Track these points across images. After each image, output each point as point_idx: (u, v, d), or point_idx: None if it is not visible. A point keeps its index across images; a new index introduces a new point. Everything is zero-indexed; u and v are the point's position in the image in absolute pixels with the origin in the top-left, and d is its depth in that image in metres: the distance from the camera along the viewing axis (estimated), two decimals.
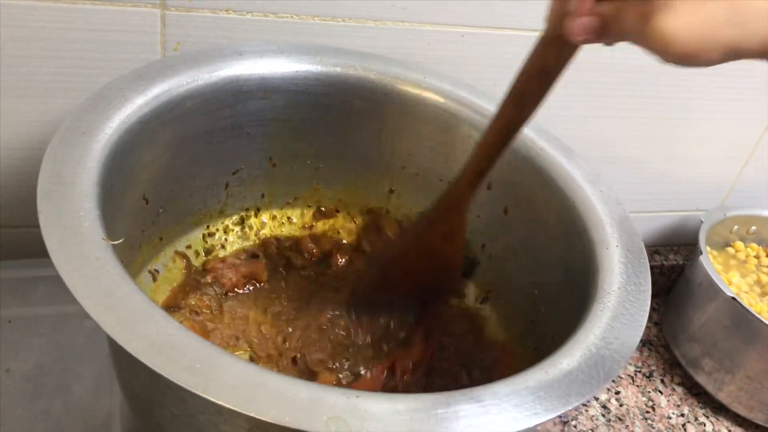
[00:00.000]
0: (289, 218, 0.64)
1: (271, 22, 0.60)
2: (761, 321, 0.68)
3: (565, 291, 0.49)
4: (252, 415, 0.31)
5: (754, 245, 0.85)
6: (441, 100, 0.58)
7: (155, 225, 0.54)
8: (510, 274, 0.58)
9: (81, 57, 0.57)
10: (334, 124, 0.59)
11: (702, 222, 0.80)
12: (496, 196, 0.57)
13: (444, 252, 0.54)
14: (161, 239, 0.56)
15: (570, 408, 0.34)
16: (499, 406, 0.34)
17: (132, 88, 0.48)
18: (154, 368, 0.32)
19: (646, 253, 0.46)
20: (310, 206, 0.64)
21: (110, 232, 0.39)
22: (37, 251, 0.62)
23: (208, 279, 0.57)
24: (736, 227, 0.85)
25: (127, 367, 0.42)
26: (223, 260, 0.60)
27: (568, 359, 0.37)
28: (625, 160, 0.81)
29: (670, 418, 0.74)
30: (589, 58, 0.69)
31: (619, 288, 0.43)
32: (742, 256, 0.84)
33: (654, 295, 0.88)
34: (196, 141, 0.54)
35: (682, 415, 0.75)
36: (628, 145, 0.80)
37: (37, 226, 0.64)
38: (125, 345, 0.33)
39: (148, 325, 0.33)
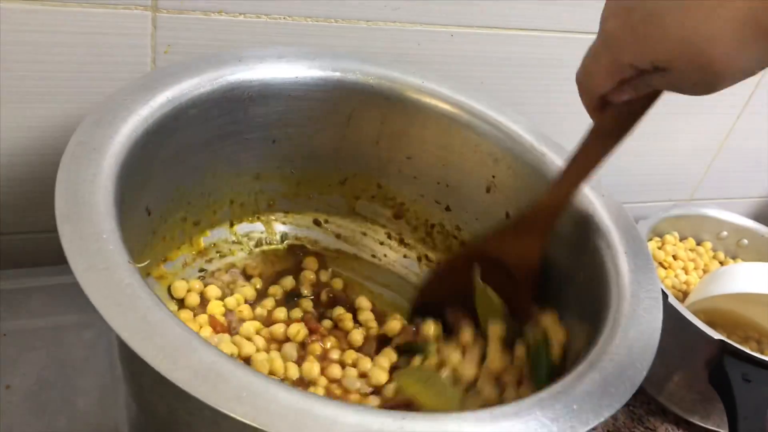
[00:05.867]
0: (285, 223, 0.64)
1: (263, 24, 0.59)
2: None
3: (575, 299, 0.50)
4: None
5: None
6: (440, 104, 0.58)
7: (155, 236, 0.53)
8: None
9: (69, 60, 0.55)
10: (332, 128, 0.59)
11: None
12: (497, 201, 0.58)
13: (512, 273, 0.51)
14: (158, 250, 0.55)
15: (602, 420, 0.36)
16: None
17: (136, 99, 0.47)
18: (201, 398, 0.32)
19: (652, 260, 0.48)
20: (308, 210, 0.64)
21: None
22: (25, 260, 0.61)
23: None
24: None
25: (151, 390, 0.41)
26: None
27: (592, 372, 0.38)
28: None
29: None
30: (567, 55, 0.71)
31: (631, 296, 0.44)
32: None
33: None
34: (196, 149, 0.53)
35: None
36: None
37: (26, 233, 0.62)
38: (167, 375, 0.32)
39: (190, 354, 0.33)
